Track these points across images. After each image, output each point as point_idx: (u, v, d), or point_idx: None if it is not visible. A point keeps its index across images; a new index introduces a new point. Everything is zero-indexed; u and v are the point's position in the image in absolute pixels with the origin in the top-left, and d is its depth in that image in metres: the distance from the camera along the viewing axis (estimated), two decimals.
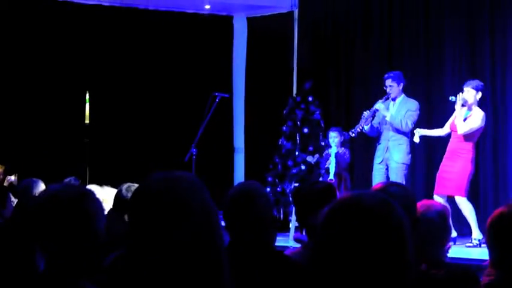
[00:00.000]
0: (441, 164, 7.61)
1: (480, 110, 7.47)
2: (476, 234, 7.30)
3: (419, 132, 7.77)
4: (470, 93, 7.44)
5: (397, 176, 7.73)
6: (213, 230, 1.66)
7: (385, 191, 2.67)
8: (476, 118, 7.39)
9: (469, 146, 7.43)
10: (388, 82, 7.95)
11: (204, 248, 1.63)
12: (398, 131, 7.83)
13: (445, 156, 7.61)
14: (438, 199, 7.30)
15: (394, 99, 7.97)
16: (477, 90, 7.46)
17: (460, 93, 7.46)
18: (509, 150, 8.57)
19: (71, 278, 2.07)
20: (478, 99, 7.48)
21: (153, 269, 1.61)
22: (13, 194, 6.93)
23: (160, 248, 1.60)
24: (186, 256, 1.60)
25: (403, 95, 8.01)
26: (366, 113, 7.95)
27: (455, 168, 7.39)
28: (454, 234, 7.47)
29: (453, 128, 7.55)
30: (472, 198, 7.62)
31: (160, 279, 1.60)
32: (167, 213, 1.61)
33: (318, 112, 9.31)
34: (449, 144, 7.59)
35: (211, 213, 1.67)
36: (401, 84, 7.98)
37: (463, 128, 7.36)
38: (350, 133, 8.02)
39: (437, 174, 7.63)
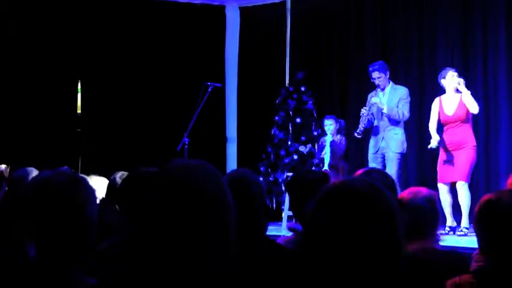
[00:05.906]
0: (441, 155, 7.52)
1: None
2: (465, 222, 7.34)
3: (433, 144, 7.64)
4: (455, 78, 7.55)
5: (394, 165, 7.78)
6: (225, 221, 1.66)
7: (367, 176, 2.68)
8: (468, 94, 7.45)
9: (470, 134, 7.45)
10: (375, 74, 7.94)
11: (214, 238, 1.63)
12: (393, 121, 7.83)
13: (447, 147, 7.48)
14: (442, 187, 7.38)
15: (383, 89, 7.98)
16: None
17: (460, 79, 7.49)
18: (501, 143, 8.58)
19: (62, 265, 2.06)
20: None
21: (158, 253, 1.61)
22: (6, 183, 6.88)
23: (169, 235, 1.60)
24: (193, 243, 1.60)
25: (391, 83, 8.02)
26: (364, 111, 7.93)
27: (461, 156, 7.36)
28: (454, 224, 7.51)
29: (447, 120, 7.53)
30: None
31: (166, 265, 1.60)
32: (180, 200, 1.61)
33: (310, 102, 9.32)
34: (447, 137, 7.49)
35: (224, 204, 1.68)
36: (388, 73, 7.99)
37: (473, 106, 7.38)
38: (355, 135, 7.97)
39: (438, 165, 7.56)
